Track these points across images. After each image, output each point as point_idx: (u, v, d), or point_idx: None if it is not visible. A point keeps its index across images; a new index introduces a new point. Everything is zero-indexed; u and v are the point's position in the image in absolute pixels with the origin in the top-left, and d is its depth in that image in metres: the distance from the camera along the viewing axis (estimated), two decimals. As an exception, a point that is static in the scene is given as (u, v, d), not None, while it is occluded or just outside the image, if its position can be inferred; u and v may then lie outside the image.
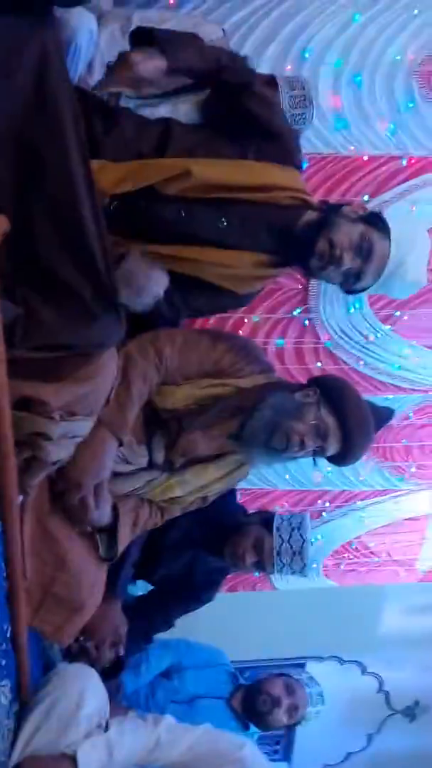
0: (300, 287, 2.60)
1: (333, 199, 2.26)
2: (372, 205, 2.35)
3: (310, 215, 1.50)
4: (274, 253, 1.53)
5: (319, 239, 1.46)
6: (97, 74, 1.68)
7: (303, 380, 2.02)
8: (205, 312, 1.66)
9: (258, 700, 2.17)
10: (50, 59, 1.02)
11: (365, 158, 2.42)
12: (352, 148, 2.40)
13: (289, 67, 2.28)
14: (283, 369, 2.58)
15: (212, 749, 1.48)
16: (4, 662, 1.23)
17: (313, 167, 2.36)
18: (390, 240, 1.50)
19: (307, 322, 2.63)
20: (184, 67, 1.45)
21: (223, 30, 1.89)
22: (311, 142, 2.35)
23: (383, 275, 1.52)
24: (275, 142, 1.47)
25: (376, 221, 1.53)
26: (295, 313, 2.61)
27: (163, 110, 1.52)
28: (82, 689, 1.39)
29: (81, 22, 1.53)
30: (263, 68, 2.24)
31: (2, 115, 1.01)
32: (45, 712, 1.35)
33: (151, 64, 1.40)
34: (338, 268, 1.48)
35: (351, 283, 1.54)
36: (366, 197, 2.40)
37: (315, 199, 1.59)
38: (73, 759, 1.29)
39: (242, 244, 1.47)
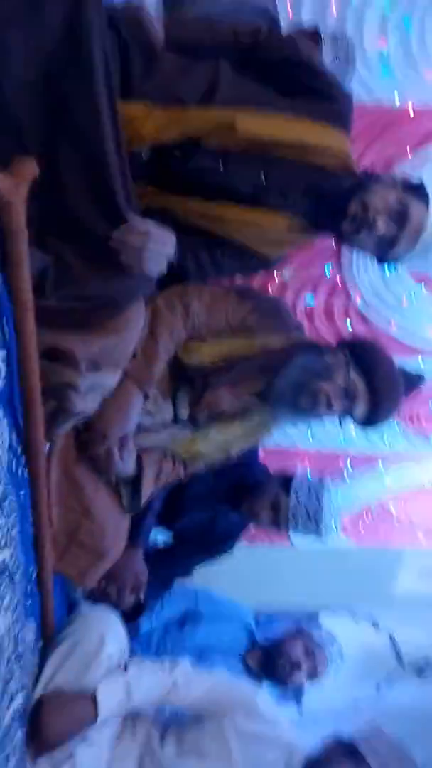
0: (333, 245, 2.52)
1: (373, 150, 2.17)
2: (414, 161, 2.25)
3: (347, 182, 1.44)
4: (308, 217, 1.46)
5: (353, 201, 1.40)
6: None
7: (331, 340, 1.99)
8: (233, 273, 1.61)
9: (278, 663, 2.18)
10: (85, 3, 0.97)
11: (410, 110, 2.30)
12: (396, 98, 2.28)
13: (333, 9, 2.15)
14: (312, 328, 2.54)
15: (226, 696, 1.53)
16: (29, 602, 1.28)
17: (358, 119, 2.26)
18: (429, 210, 1.42)
19: (339, 280, 2.57)
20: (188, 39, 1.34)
21: None
22: (353, 90, 2.24)
23: (420, 245, 1.44)
24: (328, 102, 1.39)
25: (416, 188, 1.45)
26: (326, 270, 2.55)
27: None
28: (104, 630, 1.44)
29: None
30: (305, 11, 2.13)
31: (35, 55, 0.97)
32: (67, 651, 1.41)
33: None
34: (371, 232, 1.41)
35: (384, 251, 1.46)
36: (408, 150, 2.29)
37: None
38: (93, 697, 1.35)
39: (278, 204, 1.41)
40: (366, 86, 2.25)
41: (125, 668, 1.43)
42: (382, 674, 3.89)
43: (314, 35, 1.80)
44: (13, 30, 0.96)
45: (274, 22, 1.75)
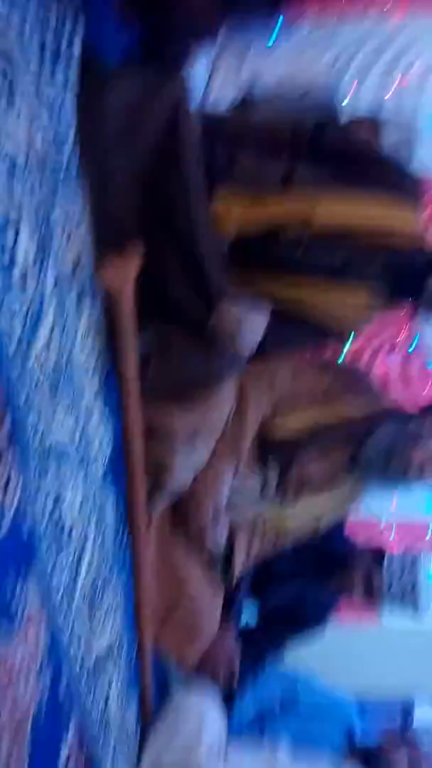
0: (404, 310, 2.53)
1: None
2: None
3: (424, 257, 1.44)
4: (386, 294, 1.46)
5: (430, 277, 1.39)
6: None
7: (409, 405, 1.96)
8: (305, 346, 1.63)
9: None
10: (180, 113, 1.08)
11: None
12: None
13: (391, 93, 2.27)
14: (388, 393, 2.51)
15: None
16: (129, 687, 1.27)
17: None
18: None
19: (413, 345, 2.56)
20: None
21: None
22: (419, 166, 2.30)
23: None
24: (398, 181, 1.41)
25: None
26: (399, 337, 2.55)
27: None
28: (202, 717, 1.40)
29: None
30: (364, 95, 2.25)
31: (135, 170, 1.08)
32: (167, 739, 1.37)
33: None
34: None
35: None
36: None
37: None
38: None
39: (355, 284, 1.43)
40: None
41: (225, 758, 1.38)
42: None
43: (373, 122, 1.88)
44: (114, 151, 1.06)
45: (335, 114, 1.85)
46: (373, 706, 3.23)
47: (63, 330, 0.87)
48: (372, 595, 1.85)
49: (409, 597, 1.82)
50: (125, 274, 0.95)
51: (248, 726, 1.99)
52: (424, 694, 3.29)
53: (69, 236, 0.94)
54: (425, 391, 2.58)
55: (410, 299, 1.47)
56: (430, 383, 2.58)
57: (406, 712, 3.36)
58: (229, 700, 1.77)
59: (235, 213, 1.29)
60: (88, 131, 1.03)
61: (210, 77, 1.67)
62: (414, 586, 1.81)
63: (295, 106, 1.66)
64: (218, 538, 1.46)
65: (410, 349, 2.58)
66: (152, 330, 1.11)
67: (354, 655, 3.06)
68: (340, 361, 2.33)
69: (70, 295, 0.91)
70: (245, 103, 1.67)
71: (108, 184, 1.07)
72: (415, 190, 1.48)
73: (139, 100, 1.08)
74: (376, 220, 1.38)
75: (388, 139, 1.81)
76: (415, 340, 2.56)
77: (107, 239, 1.10)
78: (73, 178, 0.96)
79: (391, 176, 1.44)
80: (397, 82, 2.25)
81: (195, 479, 1.36)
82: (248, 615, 2.08)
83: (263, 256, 1.35)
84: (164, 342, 1.12)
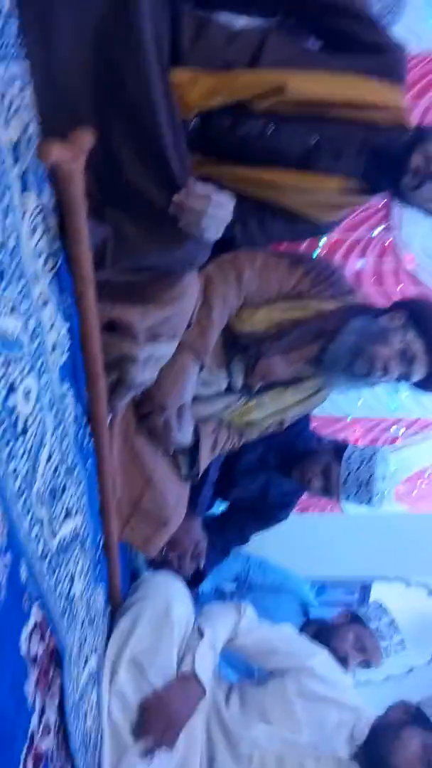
0: (381, 204, 2.45)
1: (428, 97, 2.07)
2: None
3: (403, 136, 1.36)
4: (362, 178, 1.40)
5: (414, 154, 1.33)
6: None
7: (383, 304, 1.94)
8: (283, 239, 1.56)
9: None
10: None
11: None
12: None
13: None
14: (361, 292, 2.48)
15: (288, 648, 1.56)
16: (98, 568, 1.32)
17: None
18: None
19: (387, 241, 2.50)
20: None
21: None
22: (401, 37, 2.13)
23: None
24: (379, 55, 1.31)
25: None
26: (374, 232, 2.48)
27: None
28: (170, 593, 1.48)
29: None
30: None
31: (84, 27, 0.96)
32: (136, 615, 1.45)
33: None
34: None
35: None
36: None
37: (411, 121, 1.39)
38: (195, 676, 1.39)
39: (331, 166, 1.36)
40: (415, 33, 2.14)
41: (201, 634, 1.46)
42: (437, 642, 3.88)
43: None
44: (59, 7, 0.94)
45: None
46: (332, 584, 3.49)
47: (6, 209, 0.80)
48: (329, 488, 1.92)
49: (363, 490, 1.88)
50: (73, 153, 0.86)
51: (205, 597, 2.12)
52: (382, 574, 3.56)
53: (11, 103, 0.84)
54: (398, 288, 2.55)
55: (388, 185, 1.40)
56: (403, 280, 2.55)
57: (365, 589, 3.65)
58: (195, 583, 1.87)
59: (197, 87, 1.18)
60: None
61: None
62: (369, 480, 1.87)
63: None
64: (183, 432, 1.47)
65: (385, 245, 2.51)
66: (108, 218, 1.03)
67: (317, 541, 3.26)
68: (313, 256, 2.28)
69: (13, 171, 0.83)
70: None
71: (53, 42, 0.95)
72: (397, 67, 1.36)
73: None
74: (353, 94, 1.29)
75: (374, 3, 1.66)
76: (391, 237, 2.49)
77: (55, 111, 1.00)
78: (11, 33, 0.85)
79: (373, 49, 1.33)
80: None
81: (160, 373, 1.34)
82: (214, 505, 2.16)
83: (230, 137, 1.25)
84: (121, 231, 1.04)
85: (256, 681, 1.62)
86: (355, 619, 2.14)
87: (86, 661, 1.22)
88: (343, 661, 2.01)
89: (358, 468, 1.91)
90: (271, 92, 1.23)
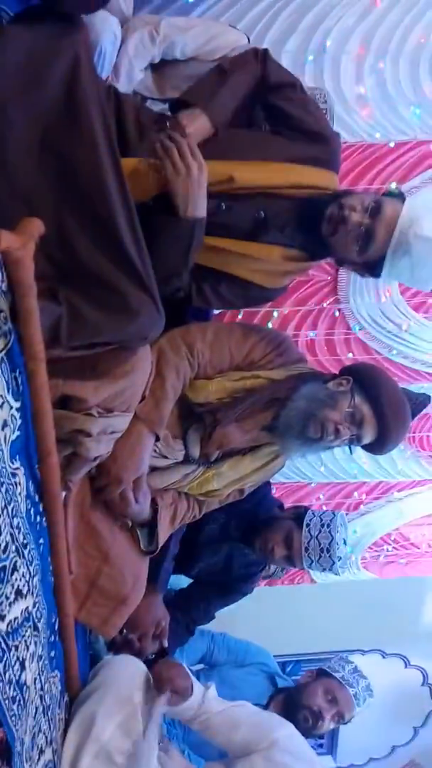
0: (329, 278, 2.59)
1: (360, 186, 2.25)
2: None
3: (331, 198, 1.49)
4: (302, 248, 1.52)
5: (330, 206, 1.44)
6: (123, 80, 1.71)
7: (335, 371, 2.02)
8: (234, 304, 1.65)
9: (298, 715, 2.00)
10: (81, 66, 1.05)
11: (392, 145, 2.40)
12: (377, 135, 2.39)
13: (311, 57, 2.27)
14: (315, 361, 2.58)
15: (251, 721, 1.50)
16: (53, 653, 1.26)
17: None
18: (403, 203, 1.43)
19: (337, 312, 2.62)
20: (224, 115, 1.43)
21: (248, 37, 1.89)
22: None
23: (397, 241, 1.41)
24: (320, 144, 1.47)
25: (393, 195, 1.49)
26: (324, 304, 2.61)
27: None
28: (131, 677, 1.42)
29: (105, 26, 1.55)
30: (284, 62, 2.24)
31: (36, 124, 1.04)
32: (97, 704, 1.38)
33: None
34: (345, 226, 1.42)
35: (364, 248, 1.43)
36: (393, 184, 2.38)
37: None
38: None
39: (275, 238, 1.47)
40: (347, 127, 2.35)
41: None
42: (417, 716, 3.75)
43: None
44: (12, 102, 1.02)
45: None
46: (306, 661, 3.39)
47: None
48: (292, 556, 1.91)
49: (325, 555, 1.88)
50: (22, 240, 0.91)
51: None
52: (356, 647, 3.47)
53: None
54: (349, 356, 2.65)
55: (318, 247, 1.51)
56: (352, 348, 2.66)
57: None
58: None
59: (151, 175, 1.28)
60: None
61: (120, 38, 1.61)
62: (330, 544, 1.87)
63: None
64: (141, 504, 1.46)
65: (335, 314, 2.64)
66: (63, 297, 1.07)
67: (288, 615, 3.18)
68: (265, 327, 2.37)
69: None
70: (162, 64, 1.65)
71: (6, 138, 1.02)
72: (334, 155, 1.52)
73: (38, 53, 1.03)
74: (294, 180, 1.44)
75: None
76: (339, 305, 2.62)
77: (10, 201, 1.06)
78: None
79: (314, 138, 1.48)
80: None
81: (115, 446, 1.35)
82: (177, 581, 2.11)
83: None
84: (75, 310, 1.08)
85: (224, 764, 1.53)
86: (320, 674, 2.12)
87: (41, 754, 1.15)
88: (318, 716, 2.02)
89: (319, 533, 1.91)
90: (220, 182, 1.37)
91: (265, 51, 1.50)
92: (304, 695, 2.04)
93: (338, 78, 2.27)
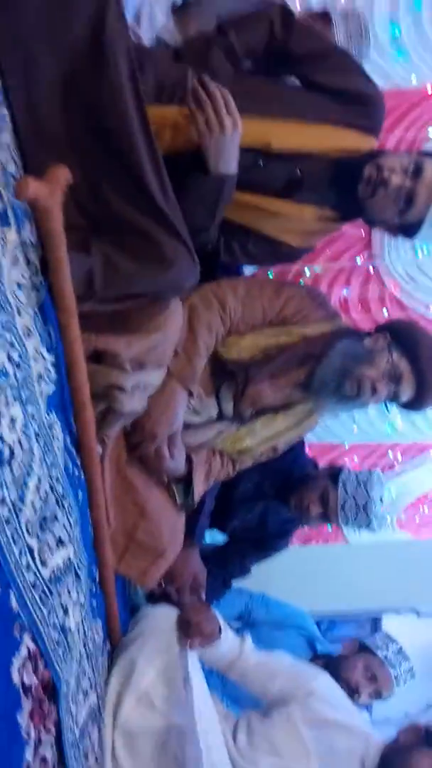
0: (363, 234, 2.52)
1: (396, 133, 2.16)
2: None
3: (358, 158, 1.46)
4: (335, 208, 1.49)
5: (366, 165, 1.40)
6: (145, 26, 1.66)
7: (370, 329, 1.98)
8: (261, 262, 1.64)
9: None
10: (108, 8, 1.01)
11: (429, 90, 2.28)
12: (413, 79, 2.28)
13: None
14: (349, 319, 2.53)
15: (289, 672, 1.53)
16: (95, 603, 1.30)
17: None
18: None
19: (371, 269, 2.56)
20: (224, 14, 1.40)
21: None
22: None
23: None
24: (361, 106, 1.43)
25: (429, 152, 1.46)
26: (358, 260, 2.54)
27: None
28: (170, 627, 1.45)
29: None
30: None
31: (60, 65, 1.01)
32: (137, 652, 1.42)
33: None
34: (386, 190, 1.39)
35: (404, 210, 1.41)
36: (431, 129, 2.28)
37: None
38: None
39: (308, 197, 1.44)
40: (381, 71, 2.25)
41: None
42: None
43: (324, 16, 1.81)
44: (36, 40, 0.99)
45: (283, 6, 1.77)
46: (342, 620, 3.42)
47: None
48: (328, 513, 1.91)
49: (362, 513, 1.88)
50: (50, 189, 0.90)
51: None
52: (392, 606, 3.48)
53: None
54: (383, 314, 2.59)
55: (353, 208, 1.47)
56: (388, 306, 2.60)
57: (375, 622, 3.57)
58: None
59: (183, 133, 1.25)
60: (8, 25, 0.96)
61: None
62: (367, 503, 1.87)
63: (237, 7, 1.58)
64: (176, 460, 1.48)
65: (369, 271, 2.57)
66: (95, 249, 1.07)
67: (323, 574, 3.21)
68: (298, 283, 2.33)
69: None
70: (181, 7, 1.59)
71: (32, 79, 1.00)
72: (377, 117, 1.47)
73: None
74: (331, 144, 1.40)
75: (340, 31, 1.76)
76: (374, 262, 2.55)
77: (38, 150, 1.04)
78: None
79: (355, 99, 1.43)
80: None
81: (149, 402, 1.36)
82: (214, 537, 2.14)
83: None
84: (109, 261, 1.08)
85: (262, 713, 1.57)
86: (363, 648, 2.11)
87: (86, 697, 1.19)
88: (354, 691, 1.99)
89: (355, 491, 1.91)
90: (257, 144, 1.35)
91: (290, 15, 1.43)
92: (343, 667, 2.01)
93: (372, 16, 2.16)
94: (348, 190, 1.42)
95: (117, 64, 1.03)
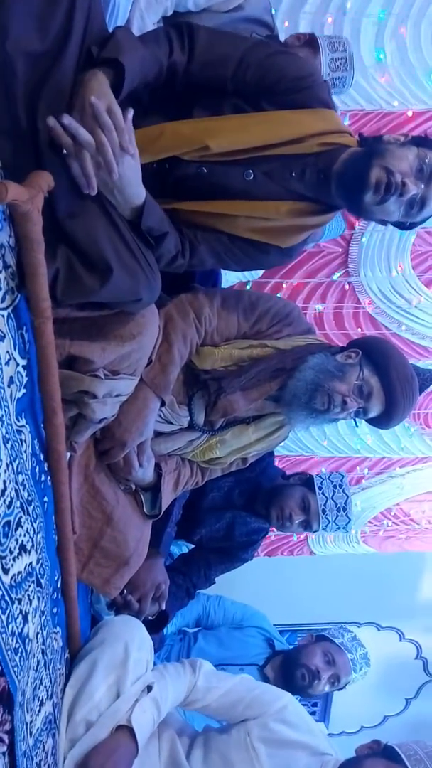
0: (340, 251, 2.56)
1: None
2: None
3: (350, 151, 1.32)
4: (312, 200, 1.36)
5: (372, 168, 1.26)
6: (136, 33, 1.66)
7: (343, 345, 2.01)
8: (254, 266, 1.55)
9: (296, 673, 2.07)
10: (74, 21, 0.99)
11: (410, 113, 2.34)
12: (396, 103, 2.33)
13: (330, 19, 2.20)
14: (323, 334, 2.56)
15: (251, 696, 1.52)
16: (56, 610, 1.29)
17: (356, 124, 2.30)
18: None
19: (347, 286, 2.60)
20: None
21: None
22: (354, 98, 2.29)
23: None
24: (301, 90, 1.27)
25: (426, 142, 1.32)
26: (335, 277, 2.58)
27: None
28: (128, 639, 1.44)
29: (119, -19, 1.50)
30: (303, 22, 2.18)
31: (33, 69, 0.99)
32: (93, 662, 1.41)
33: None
34: (402, 196, 1.26)
35: (414, 214, 1.31)
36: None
37: (348, 137, 1.35)
38: (129, 728, 1.32)
39: (272, 194, 1.31)
40: (365, 94, 2.29)
41: (149, 689, 1.41)
42: (410, 688, 3.83)
43: (311, 40, 1.84)
44: (16, 31, 0.94)
45: (270, 30, 1.79)
46: (303, 632, 3.44)
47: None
48: (309, 520, 1.94)
49: (342, 514, 1.93)
50: (30, 193, 0.90)
51: (175, 651, 2.09)
52: (353, 620, 3.52)
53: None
54: (357, 330, 2.63)
55: (347, 202, 1.35)
56: (361, 322, 2.64)
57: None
58: (159, 626, 1.83)
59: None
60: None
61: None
62: (345, 503, 1.93)
63: (227, 22, 1.59)
64: (144, 468, 1.47)
65: (345, 287, 2.61)
66: (60, 254, 1.04)
67: (286, 586, 3.22)
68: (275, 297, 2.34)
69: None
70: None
71: (8, 69, 0.96)
72: (321, 95, 1.31)
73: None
74: (278, 134, 1.26)
75: (326, 57, 1.77)
76: (350, 279, 2.59)
77: (13, 147, 1.02)
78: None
79: (296, 89, 1.28)
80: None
81: (120, 409, 1.35)
82: (179, 546, 2.14)
83: (167, 179, 1.26)
84: (71, 269, 1.05)
85: (221, 730, 1.57)
86: (320, 638, 2.17)
87: (41, 706, 1.17)
88: (315, 676, 2.07)
89: (333, 494, 1.97)
90: (196, 151, 1.24)
91: (188, 27, 1.23)
92: (302, 654, 2.11)
93: (358, 42, 2.20)
94: (332, 184, 1.31)
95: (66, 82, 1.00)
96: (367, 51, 2.26)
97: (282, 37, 1.90)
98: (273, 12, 1.89)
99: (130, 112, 1.04)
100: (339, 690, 2.24)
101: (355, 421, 1.61)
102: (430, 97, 2.33)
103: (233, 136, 1.24)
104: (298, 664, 2.09)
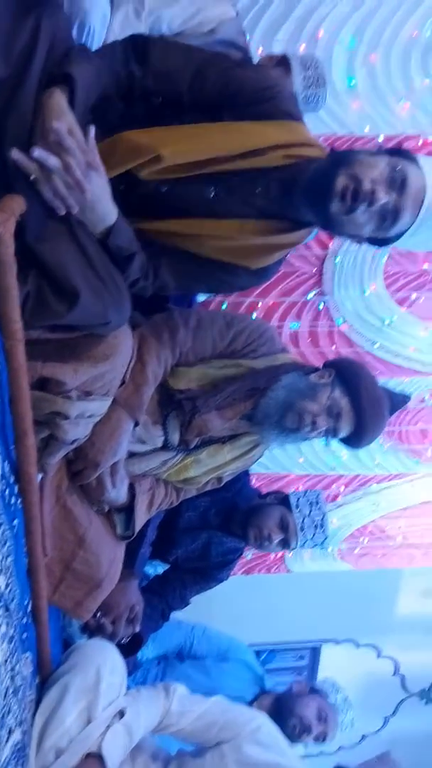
0: (314, 271, 2.60)
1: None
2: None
3: (317, 164, 1.25)
4: (280, 217, 1.28)
5: (338, 176, 1.17)
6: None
7: (318, 364, 2.03)
8: (219, 291, 1.53)
9: (288, 722, 2.08)
10: (38, 43, 1.00)
11: (381, 138, 2.40)
12: (367, 128, 2.39)
13: (302, 46, 2.26)
14: (298, 353, 2.59)
15: (225, 719, 1.51)
16: (25, 635, 1.26)
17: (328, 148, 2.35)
18: (422, 169, 1.20)
19: (321, 305, 2.63)
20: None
21: (236, 11, 1.86)
22: (326, 123, 2.34)
23: (423, 211, 1.21)
24: (263, 103, 1.21)
25: (399, 151, 1.25)
26: (309, 296, 2.61)
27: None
28: (101, 663, 1.42)
29: (94, 4, 1.52)
30: (276, 50, 2.23)
31: None
32: (64, 687, 1.38)
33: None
34: (371, 205, 1.17)
35: (387, 227, 1.22)
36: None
37: (317, 149, 1.28)
38: (98, 756, 1.30)
39: (236, 212, 1.25)
40: (337, 118, 2.35)
41: (121, 715, 1.39)
42: (387, 705, 3.82)
43: (283, 60, 1.88)
44: None
45: (244, 53, 1.83)
46: (281, 650, 3.43)
47: None
48: (288, 538, 1.95)
49: (319, 531, 1.95)
50: (3, 216, 0.90)
51: (153, 675, 2.06)
52: (331, 637, 3.52)
53: None
54: (332, 349, 2.66)
55: (315, 216, 1.27)
56: (336, 340, 2.67)
57: (314, 652, 3.60)
58: (133, 649, 1.81)
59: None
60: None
61: (109, 17, 1.59)
62: (322, 520, 1.94)
63: (203, 45, 1.61)
64: (118, 489, 1.46)
65: (319, 307, 2.64)
66: (31, 278, 1.05)
67: (264, 604, 3.21)
68: (249, 317, 2.37)
69: None
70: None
71: None
72: (288, 107, 1.26)
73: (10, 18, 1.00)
74: (238, 145, 1.20)
75: (298, 77, 1.80)
76: (324, 299, 2.63)
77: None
78: None
79: (263, 99, 1.23)
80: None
81: (93, 430, 1.35)
82: (154, 567, 2.12)
83: (126, 197, 1.20)
84: (40, 292, 1.05)
85: (194, 753, 1.55)
86: (314, 690, 2.20)
87: (10, 733, 1.15)
88: (306, 729, 2.10)
89: (310, 511, 1.98)
90: (148, 162, 1.17)
91: (143, 39, 1.20)
92: (298, 705, 2.11)
93: (330, 68, 2.26)
94: (306, 196, 1.23)
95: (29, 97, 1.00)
96: (339, 77, 2.32)
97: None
98: (247, 37, 1.93)
99: (92, 130, 1.05)
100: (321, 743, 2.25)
101: (326, 440, 1.62)
102: (400, 123, 2.40)
103: (187, 145, 1.17)
104: (292, 714, 2.11)
